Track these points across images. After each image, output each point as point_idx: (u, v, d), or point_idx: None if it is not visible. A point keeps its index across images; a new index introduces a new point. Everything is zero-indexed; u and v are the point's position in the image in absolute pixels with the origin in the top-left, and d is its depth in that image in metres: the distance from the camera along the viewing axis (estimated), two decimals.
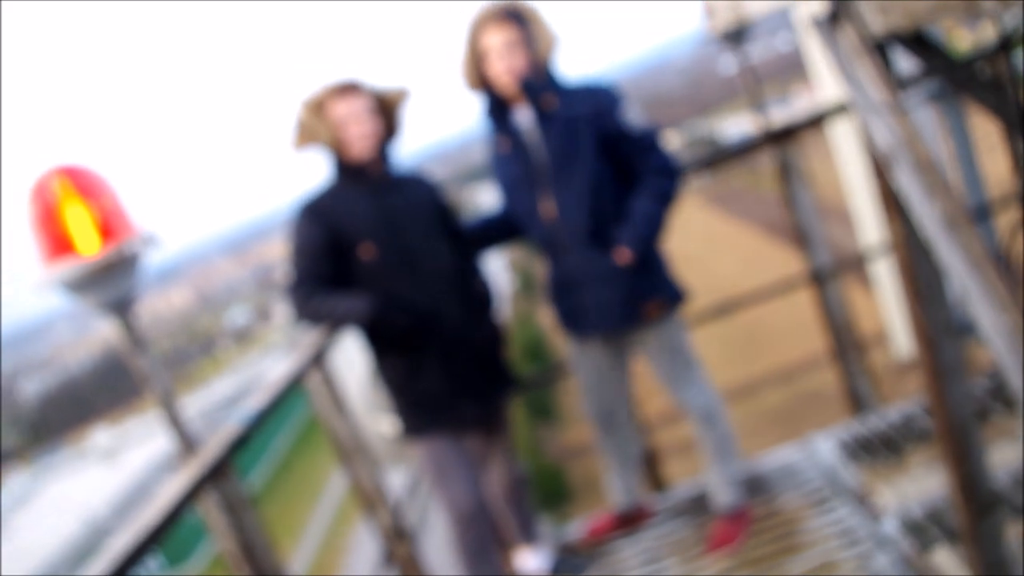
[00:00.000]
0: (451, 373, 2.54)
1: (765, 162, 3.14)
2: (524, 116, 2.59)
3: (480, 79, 2.59)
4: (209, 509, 1.66)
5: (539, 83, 2.55)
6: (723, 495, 2.82)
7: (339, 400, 2.48)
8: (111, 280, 1.57)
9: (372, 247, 2.47)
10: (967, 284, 1.37)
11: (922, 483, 2.72)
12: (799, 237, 3.12)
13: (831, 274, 3.17)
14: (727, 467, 2.81)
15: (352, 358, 2.95)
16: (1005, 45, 1.67)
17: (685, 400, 2.76)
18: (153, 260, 1.69)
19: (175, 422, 1.62)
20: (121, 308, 1.61)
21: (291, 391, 2.26)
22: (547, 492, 15.17)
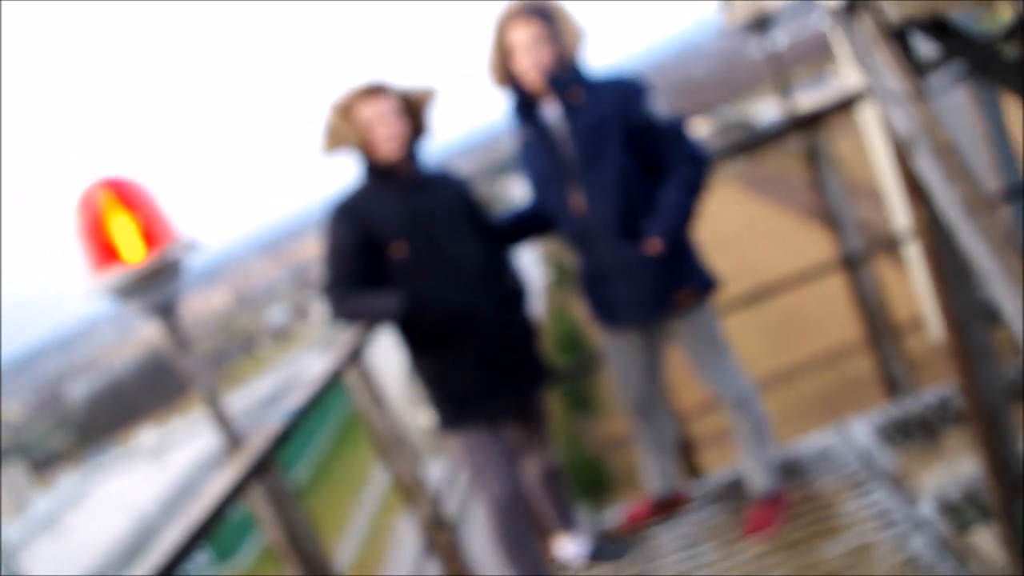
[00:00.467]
0: (485, 367, 2.59)
1: (799, 146, 3.14)
2: (551, 111, 2.63)
3: (507, 75, 2.63)
4: (256, 502, 1.72)
5: (565, 77, 2.58)
6: (759, 480, 2.84)
7: (377, 395, 2.54)
8: (155, 285, 1.65)
9: (404, 246, 2.52)
10: (988, 267, 1.39)
11: (958, 465, 2.72)
12: (829, 222, 3.11)
13: (863, 259, 3.16)
14: (762, 453, 2.83)
15: (388, 353, 3.01)
16: None
17: (718, 387, 2.79)
18: (193, 263, 1.77)
19: (221, 419, 1.69)
20: (165, 311, 1.68)
21: (331, 387, 2.33)
22: (588, 483, 15.18)
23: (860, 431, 3.14)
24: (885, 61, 1.66)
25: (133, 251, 1.65)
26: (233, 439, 1.74)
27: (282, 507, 1.74)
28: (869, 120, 3.20)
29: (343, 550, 22.81)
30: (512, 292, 2.69)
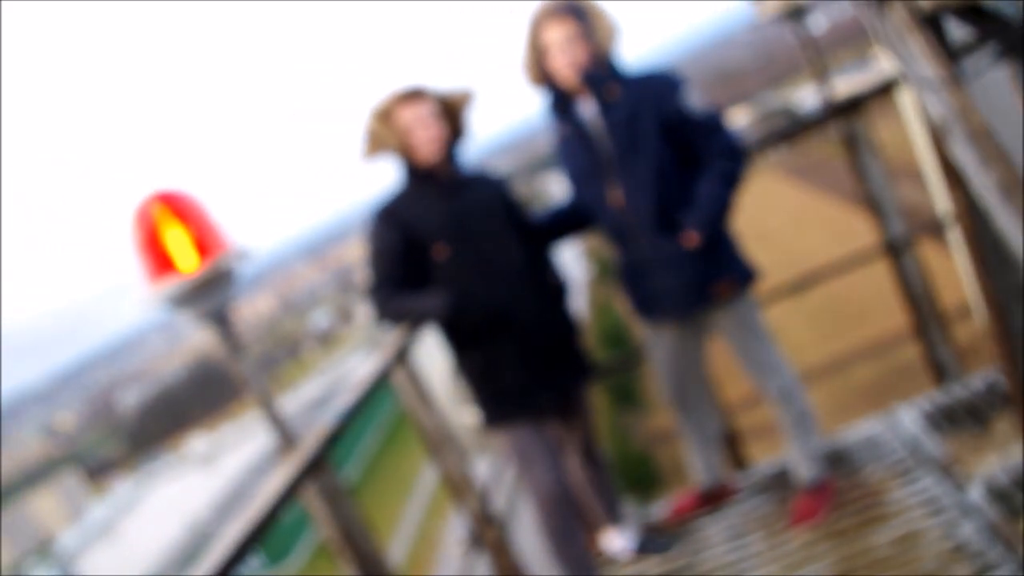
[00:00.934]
0: (527, 364, 2.63)
1: (839, 132, 3.12)
2: (588, 108, 2.66)
3: (542, 74, 2.66)
4: (310, 500, 1.79)
5: (601, 74, 2.61)
6: (805, 470, 2.84)
7: (424, 394, 2.60)
8: (209, 293, 1.72)
9: (445, 247, 2.57)
10: None
11: (1008, 450, 2.68)
12: (871, 209, 3.09)
13: (906, 244, 3.14)
14: (807, 442, 2.83)
15: (433, 354, 3.07)
16: None
17: (761, 379, 2.80)
18: (244, 271, 1.84)
19: (276, 421, 1.75)
20: (220, 318, 1.75)
21: (378, 388, 2.39)
22: (635, 478, 15.15)
23: (907, 419, 3.11)
24: (918, 47, 1.66)
25: (187, 261, 1.72)
26: (287, 439, 1.80)
27: (336, 505, 1.80)
28: (908, 104, 3.16)
29: (395, 546, 23.06)
30: (553, 289, 2.73)
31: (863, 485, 2.86)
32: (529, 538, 2.84)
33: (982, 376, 3.17)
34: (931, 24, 1.68)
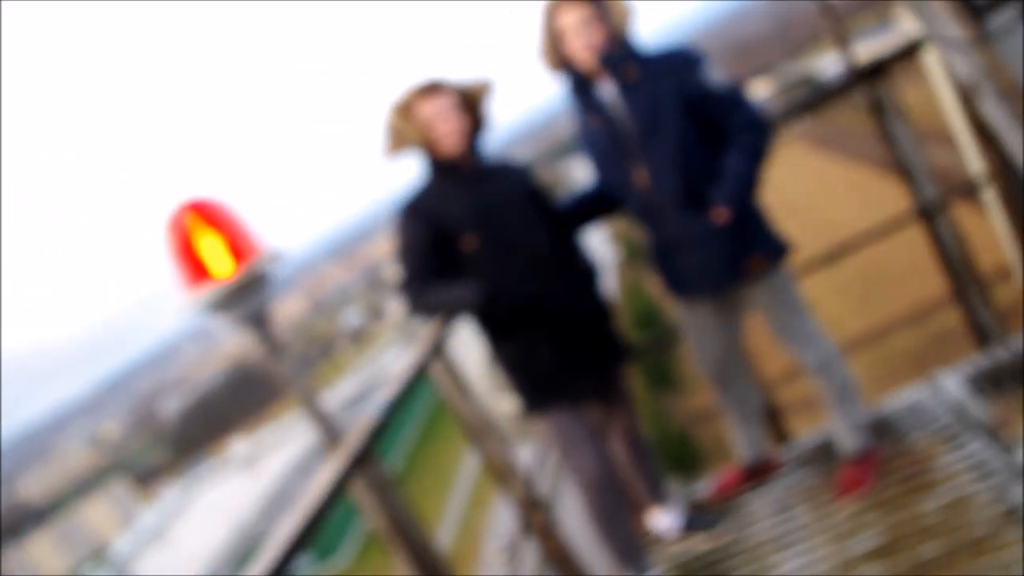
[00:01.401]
0: (562, 350, 2.63)
1: (863, 98, 3.08)
2: (607, 90, 2.64)
3: (560, 59, 2.65)
4: (358, 493, 1.81)
5: (618, 56, 2.59)
6: (849, 440, 2.82)
7: (462, 385, 2.61)
8: (245, 297, 1.75)
9: (473, 238, 2.57)
10: None
11: None
12: (901, 174, 3.05)
13: (940, 207, 3.09)
14: (850, 412, 2.81)
15: (469, 344, 3.09)
16: None
17: (799, 351, 2.77)
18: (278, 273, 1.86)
19: (320, 418, 1.78)
20: (257, 321, 1.78)
21: (416, 380, 2.41)
22: (675, 459, 15.12)
23: (951, 384, 3.07)
24: (942, 8, 1.64)
25: (222, 267, 1.75)
26: (332, 435, 1.83)
27: (384, 496, 1.83)
28: (934, 65, 3.11)
29: (442, 534, 23.27)
30: (583, 274, 2.72)
31: (909, 453, 2.83)
32: (575, 521, 2.86)
33: None
34: None
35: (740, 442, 3.05)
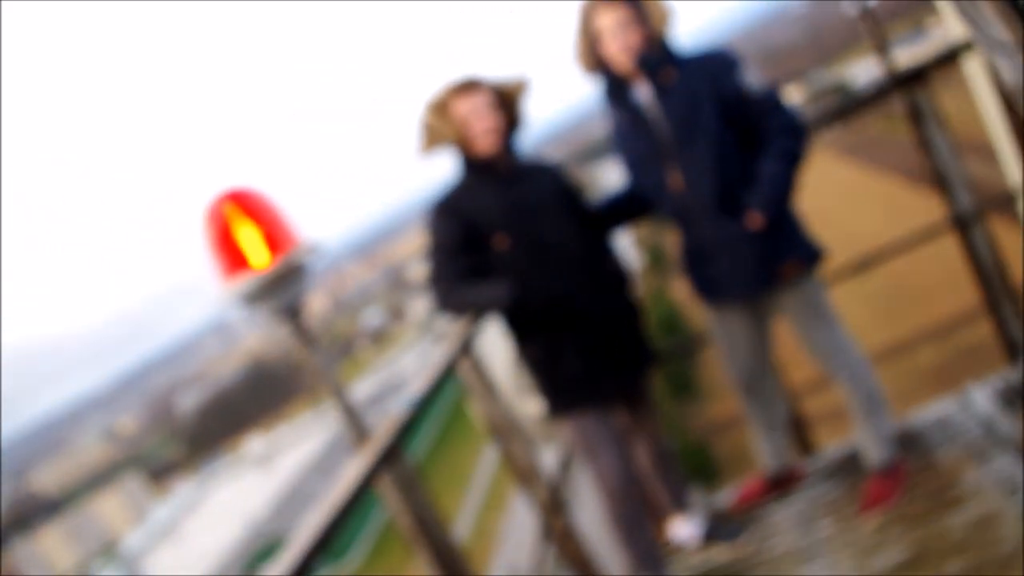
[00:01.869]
0: (591, 352, 2.62)
1: (899, 106, 3.04)
2: (643, 92, 2.63)
3: (596, 61, 2.64)
4: (385, 490, 1.81)
5: (655, 58, 2.58)
6: (875, 452, 2.79)
7: (489, 384, 2.61)
8: (282, 289, 1.75)
9: (505, 238, 2.57)
10: None
11: None
12: (938, 181, 3.00)
13: (975, 217, 3.04)
14: (877, 424, 2.77)
15: (495, 343, 3.09)
16: None
17: (828, 360, 2.74)
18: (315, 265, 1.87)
19: (349, 411, 1.78)
20: (292, 313, 1.79)
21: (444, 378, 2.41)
22: (694, 468, 15.04)
23: (980, 398, 3.03)
24: (990, 11, 1.62)
25: (259, 258, 1.76)
26: (359, 431, 1.83)
27: (409, 493, 1.83)
28: (976, 72, 3.06)
29: (457, 532, 23.33)
30: (615, 276, 2.71)
31: (936, 467, 2.79)
32: (596, 527, 2.84)
33: None
34: None
35: (764, 451, 3.03)
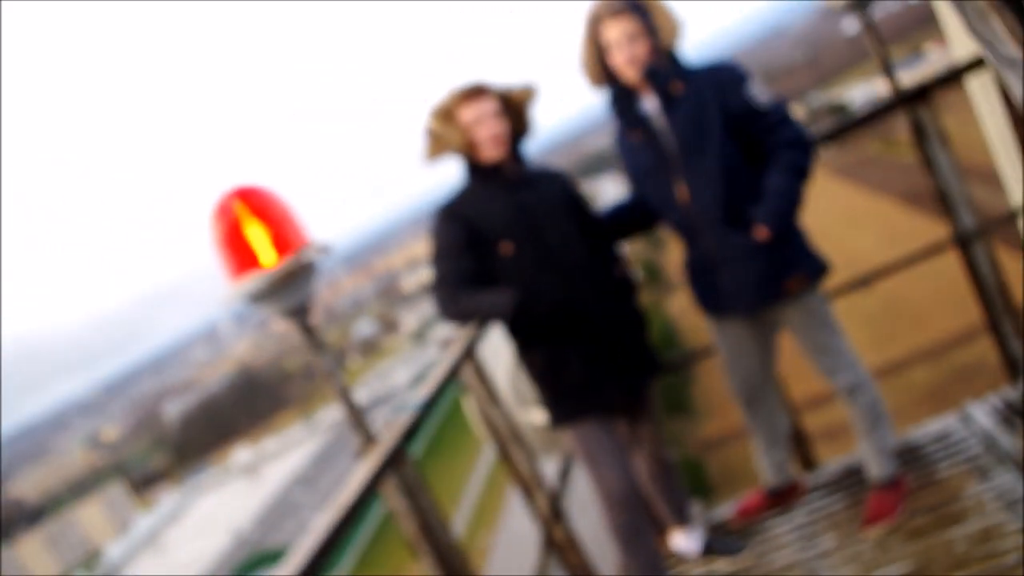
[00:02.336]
0: (595, 360, 2.60)
1: (896, 129, 3.05)
2: (650, 104, 2.63)
3: (603, 73, 2.64)
4: (389, 494, 1.80)
5: (663, 70, 2.58)
6: (877, 466, 2.78)
7: (492, 391, 2.59)
8: (290, 288, 1.73)
9: (510, 243, 2.55)
10: None
11: None
12: (940, 200, 3.01)
13: (978, 234, 3.05)
14: (880, 438, 2.77)
15: (498, 351, 3.07)
16: None
17: (832, 374, 2.74)
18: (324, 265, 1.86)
19: (353, 413, 1.76)
20: (300, 313, 1.77)
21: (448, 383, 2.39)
22: (688, 485, 15.01)
23: (980, 415, 3.04)
24: (1001, 28, 1.62)
25: (267, 256, 1.74)
26: (366, 433, 1.81)
27: (414, 498, 1.81)
28: (980, 91, 3.08)
29: (454, 529, 23.34)
30: (621, 284, 2.69)
31: (937, 482, 2.79)
32: (598, 536, 2.82)
33: None
34: (1014, 2, 1.63)
35: (765, 466, 3.02)
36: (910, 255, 3.23)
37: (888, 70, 2.98)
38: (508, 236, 2.56)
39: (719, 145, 2.56)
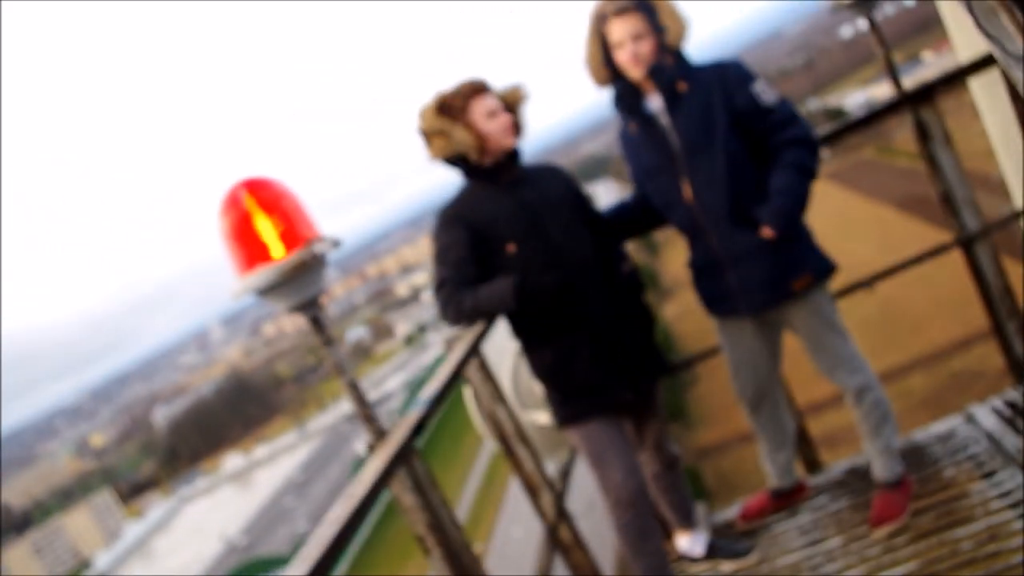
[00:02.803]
0: (602, 358, 2.56)
1: (893, 135, 3.05)
2: (656, 102, 2.62)
3: (608, 72, 2.62)
4: (399, 490, 1.78)
5: (668, 69, 2.56)
6: (883, 467, 2.76)
7: (498, 389, 2.57)
8: (301, 282, 1.71)
9: (514, 242, 2.52)
10: None
11: None
12: (944, 201, 3.00)
13: (982, 234, 3.04)
14: (886, 437, 2.75)
15: (500, 350, 3.04)
16: None
17: (838, 374, 2.72)
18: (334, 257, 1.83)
19: (363, 407, 1.74)
20: (311, 307, 1.75)
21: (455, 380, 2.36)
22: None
23: (983, 416, 3.04)
24: (1010, 24, 1.62)
25: (276, 250, 1.72)
26: (375, 429, 1.79)
27: (424, 494, 1.79)
28: (983, 92, 3.08)
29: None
30: (627, 282, 2.65)
31: (942, 484, 2.79)
32: (604, 537, 2.80)
33: None
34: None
35: (770, 466, 3.00)
36: (914, 256, 3.23)
37: (892, 69, 2.98)
38: (511, 236, 2.52)
39: (724, 143, 2.54)
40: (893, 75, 2.98)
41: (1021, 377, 3.13)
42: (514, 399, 3.07)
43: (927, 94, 2.97)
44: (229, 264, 1.78)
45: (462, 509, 25.72)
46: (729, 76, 2.58)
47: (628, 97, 2.64)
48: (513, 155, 2.62)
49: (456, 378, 2.18)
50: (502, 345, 3.01)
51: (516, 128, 2.64)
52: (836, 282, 2.81)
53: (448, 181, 2.69)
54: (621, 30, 2.55)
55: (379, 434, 1.79)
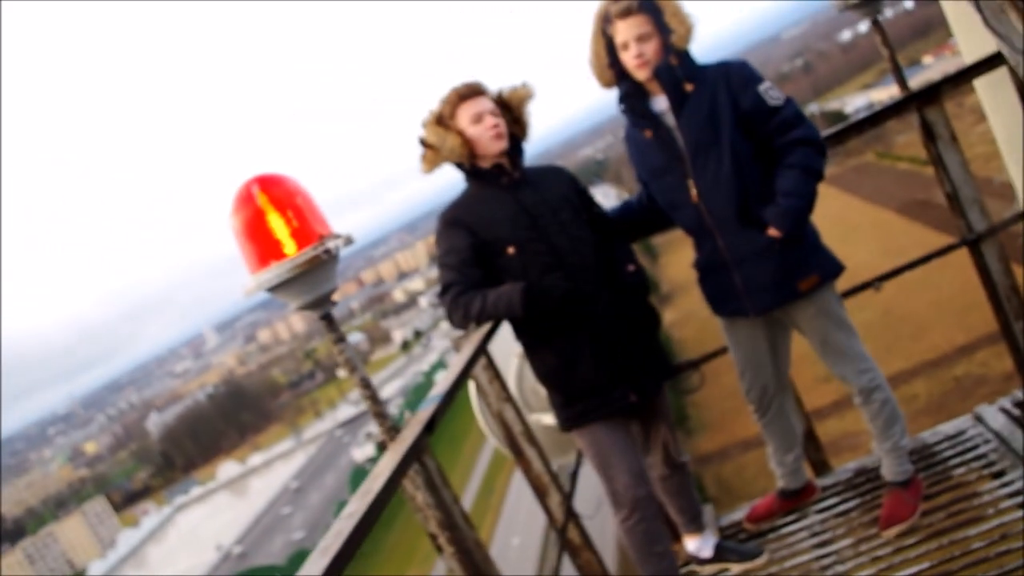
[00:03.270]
0: (607, 360, 2.53)
1: (894, 138, 3.05)
2: (662, 103, 2.60)
3: (613, 74, 2.61)
4: (411, 487, 1.76)
5: (674, 70, 2.54)
6: (893, 467, 2.75)
7: (505, 388, 2.56)
8: (314, 279, 1.70)
9: (516, 244, 2.49)
10: None
11: None
12: (950, 200, 3.00)
13: (989, 234, 3.04)
14: (895, 437, 2.74)
15: (504, 354, 3.03)
16: None
17: (847, 372, 2.70)
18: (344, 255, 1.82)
19: (375, 404, 1.73)
20: (323, 304, 1.74)
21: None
22: None
23: (992, 416, 3.03)
24: (1019, 22, 1.62)
25: (289, 246, 1.71)
26: (387, 426, 1.78)
27: (436, 491, 1.78)
28: (987, 94, 3.08)
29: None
30: (631, 282, 2.62)
31: (951, 482, 2.78)
32: (611, 540, 2.79)
33: None
34: None
35: (778, 467, 2.99)
36: (921, 256, 3.22)
37: (898, 68, 2.98)
38: (512, 238, 2.50)
39: (731, 144, 2.53)
40: (899, 75, 2.98)
41: None
42: (519, 401, 3.05)
43: (933, 94, 2.96)
44: (241, 261, 1.76)
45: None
46: (735, 76, 2.57)
47: (634, 98, 2.63)
48: (513, 157, 2.60)
49: (465, 376, 2.16)
50: (506, 347, 2.99)
51: (520, 129, 2.62)
52: (839, 285, 2.80)
53: (447, 185, 2.67)
54: (626, 31, 2.53)
55: (392, 431, 1.77)
